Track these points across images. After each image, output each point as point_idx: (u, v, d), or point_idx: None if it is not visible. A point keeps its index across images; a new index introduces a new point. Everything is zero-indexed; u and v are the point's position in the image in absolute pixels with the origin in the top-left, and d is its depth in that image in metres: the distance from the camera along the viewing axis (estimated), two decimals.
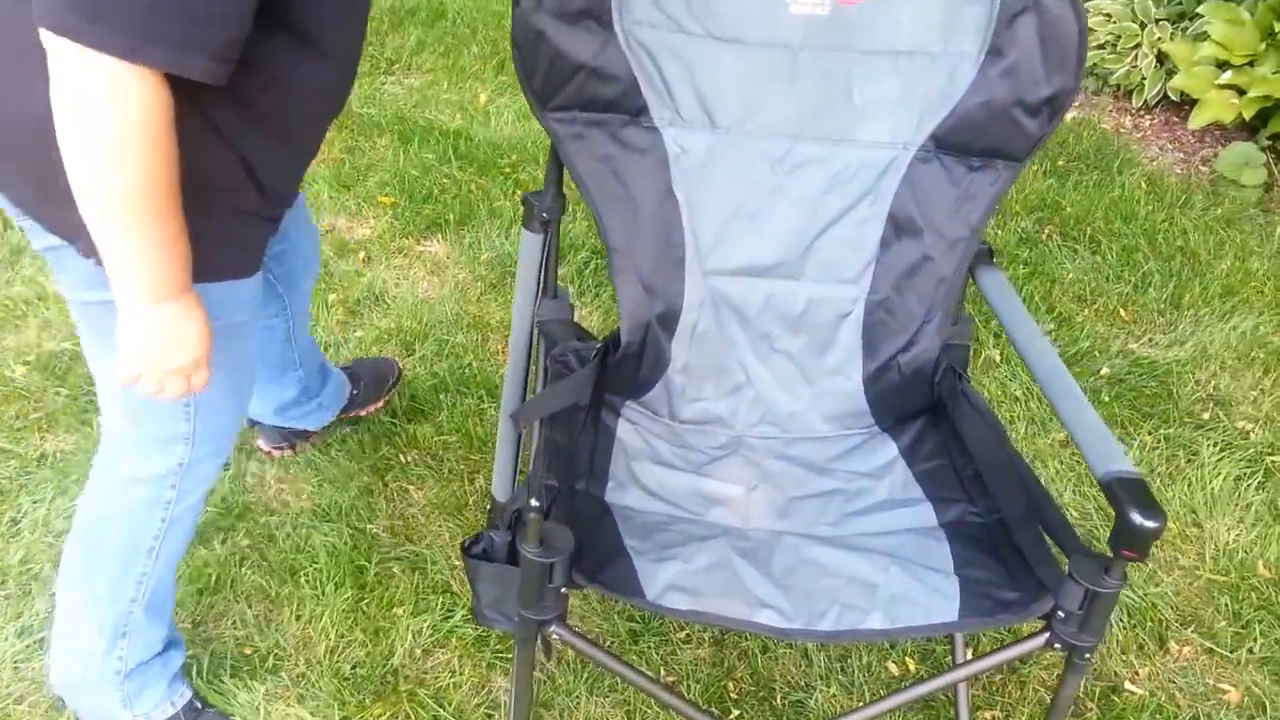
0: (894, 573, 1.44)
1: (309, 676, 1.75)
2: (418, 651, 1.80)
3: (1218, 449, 2.38)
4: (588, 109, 1.58)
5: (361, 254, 2.74)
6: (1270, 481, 2.32)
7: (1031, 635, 1.33)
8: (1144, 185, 3.35)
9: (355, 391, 2.16)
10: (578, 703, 1.75)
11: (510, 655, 1.79)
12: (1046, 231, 3.10)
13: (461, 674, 1.77)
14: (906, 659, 1.89)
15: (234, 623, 1.83)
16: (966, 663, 1.41)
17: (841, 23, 1.55)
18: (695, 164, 1.64)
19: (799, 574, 1.44)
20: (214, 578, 1.88)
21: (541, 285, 1.68)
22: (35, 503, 2.00)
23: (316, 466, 2.11)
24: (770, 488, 1.65)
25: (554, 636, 1.31)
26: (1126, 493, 1.23)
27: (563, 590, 1.28)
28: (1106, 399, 2.51)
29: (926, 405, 1.73)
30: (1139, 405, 2.50)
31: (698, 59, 1.57)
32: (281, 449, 2.13)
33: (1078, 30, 1.52)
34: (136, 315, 1.16)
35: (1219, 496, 2.27)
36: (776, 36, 1.56)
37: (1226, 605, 2.04)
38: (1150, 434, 2.42)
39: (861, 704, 1.79)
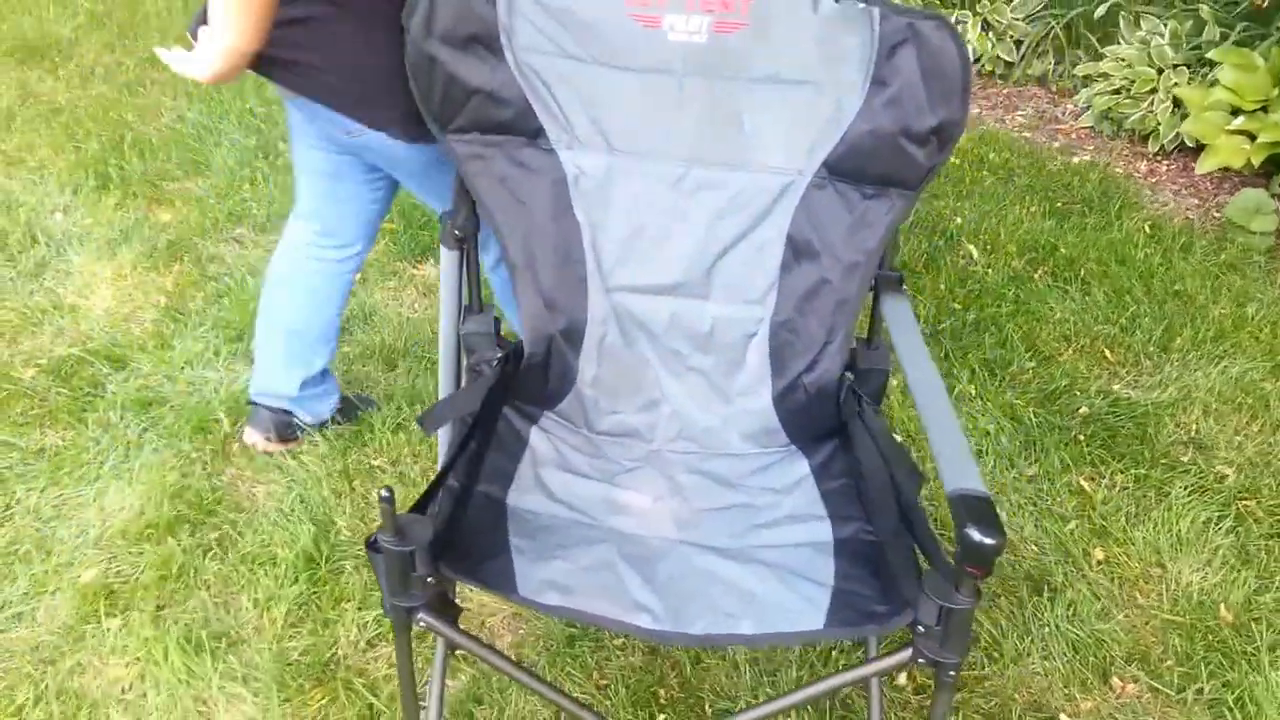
0: (773, 583, 1.49)
1: (256, 660, 1.85)
2: (361, 643, 1.90)
3: (1190, 491, 2.38)
4: (486, 131, 1.67)
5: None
6: (1242, 526, 2.31)
7: (899, 649, 1.36)
8: (1146, 229, 3.36)
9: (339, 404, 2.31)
10: (508, 699, 1.82)
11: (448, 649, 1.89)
12: (1039, 272, 3.13)
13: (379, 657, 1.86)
14: None
15: (195, 608, 1.94)
16: (828, 676, 1.45)
17: (721, 50, 1.61)
18: (594, 185, 1.72)
19: (683, 581, 1.50)
20: (179, 567, 2.00)
21: (467, 300, 1.77)
22: (29, 491, 2.15)
23: (286, 469, 2.22)
24: (678, 499, 1.71)
25: (420, 624, 1.38)
26: (968, 510, 1.25)
27: (429, 580, 1.35)
28: (1081, 438, 2.52)
29: (835, 425, 1.78)
30: (1114, 445, 2.51)
31: (588, 84, 1.65)
32: (271, 439, 2.25)
33: (959, 61, 1.55)
34: (222, 56, 1.67)
35: (1186, 538, 2.27)
36: (659, 63, 1.63)
37: (1179, 646, 2.04)
38: (1122, 473, 2.43)
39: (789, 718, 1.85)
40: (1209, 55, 3.67)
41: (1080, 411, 2.62)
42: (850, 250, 1.71)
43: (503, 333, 1.77)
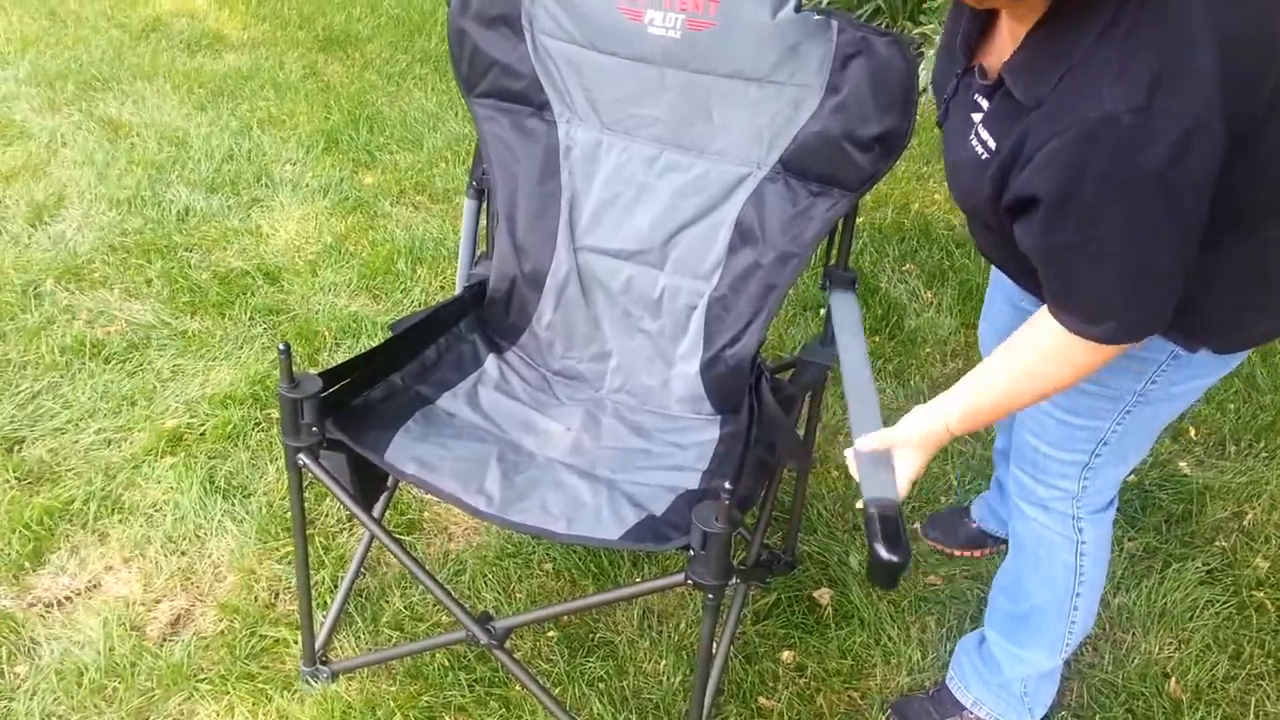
0: (603, 501, 1.69)
1: (256, 510, 2.26)
2: (339, 520, 2.26)
3: (1203, 572, 2.28)
4: (501, 99, 1.99)
5: None
6: (1242, 615, 2.19)
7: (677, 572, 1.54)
8: None
9: None
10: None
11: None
12: None
13: (353, 535, 2.21)
14: None
15: (233, 462, 2.39)
16: (620, 586, 1.64)
17: (694, 46, 1.82)
18: (582, 155, 1.99)
19: (534, 486, 1.73)
20: (232, 429, 2.46)
21: (483, 248, 2.11)
22: (160, 356, 2.70)
23: None
24: (590, 435, 1.94)
25: (300, 462, 1.70)
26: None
27: (314, 429, 1.68)
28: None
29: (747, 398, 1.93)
30: (1142, 515, 2.43)
31: (586, 67, 1.92)
32: None
33: (906, 76, 1.70)
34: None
35: (1171, 612, 2.18)
36: (642, 53, 1.86)
37: (1095, 701, 2.00)
38: (1131, 540, 2.36)
39: (664, 660, 2.01)
40: None
41: (1127, 479, 2.53)
42: (786, 240, 1.88)
43: None
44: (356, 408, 1.80)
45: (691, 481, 1.79)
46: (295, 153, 3.78)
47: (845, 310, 1.84)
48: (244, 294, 2.96)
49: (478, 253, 2.18)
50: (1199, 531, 2.40)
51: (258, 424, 2.49)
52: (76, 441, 2.42)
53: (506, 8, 1.92)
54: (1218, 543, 2.37)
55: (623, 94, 1.93)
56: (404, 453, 1.73)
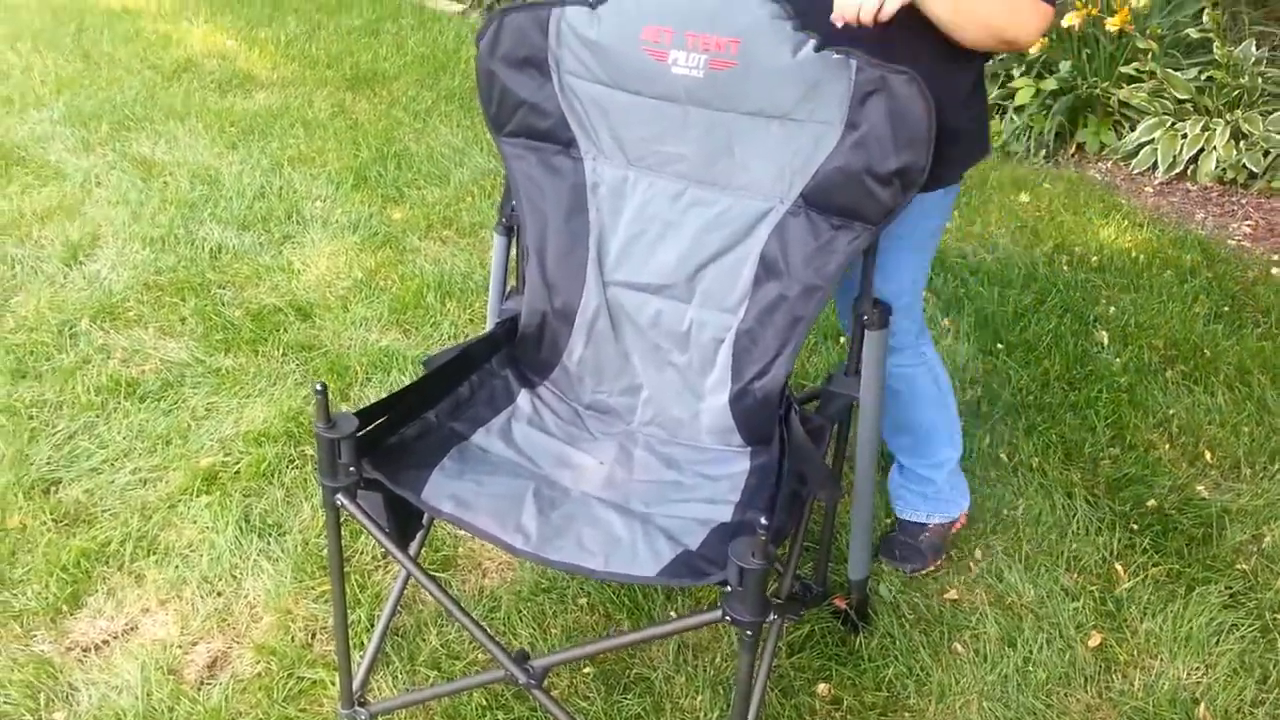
0: (638, 536, 1.64)
1: (292, 548, 2.22)
2: (375, 557, 2.22)
3: (1225, 595, 2.22)
4: (530, 137, 1.96)
5: None
6: (1266, 638, 2.12)
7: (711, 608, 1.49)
8: None
9: None
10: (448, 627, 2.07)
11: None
12: (1172, 370, 2.94)
13: (388, 572, 2.17)
14: None
15: (269, 500, 2.35)
16: (655, 620, 1.58)
17: (715, 85, 1.78)
18: (609, 192, 1.95)
19: (570, 521, 1.68)
20: (267, 466, 2.42)
21: (513, 283, 2.08)
22: (194, 394, 2.67)
23: None
24: (623, 468, 1.89)
25: (339, 502, 1.65)
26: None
27: (351, 469, 1.64)
28: (1134, 526, 2.40)
29: (776, 430, 1.89)
30: (1163, 540, 2.36)
31: (612, 106, 1.88)
32: None
33: (924, 113, 1.66)
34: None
35: (1196, 637, 2.12)
36: (666, 92, 1.82)
37: None
38: (1156, 565, 2.29)
39: (700, 695, 1.95)
40: None
41: (1148, 504, 2.48)
42: (809, 273, 1.84)
43: None
44: (392, 446, 1.76)
45: (724, 514, 1.75)
46: (325, 189, 3.75)
47: (871, 349, 1.81)
48: (276, 330, 2.92)
49: (507, 288, 2.15)
50: (1220, 555, 2.34)
51: (292, 461, 2.45)
52: (112, 482, 2.38)
53: (533, 50, 1.89)
54: (1238, 566, 2.31)
55: (648, 132, 1.89)
56: (440, 491, 1.69)
